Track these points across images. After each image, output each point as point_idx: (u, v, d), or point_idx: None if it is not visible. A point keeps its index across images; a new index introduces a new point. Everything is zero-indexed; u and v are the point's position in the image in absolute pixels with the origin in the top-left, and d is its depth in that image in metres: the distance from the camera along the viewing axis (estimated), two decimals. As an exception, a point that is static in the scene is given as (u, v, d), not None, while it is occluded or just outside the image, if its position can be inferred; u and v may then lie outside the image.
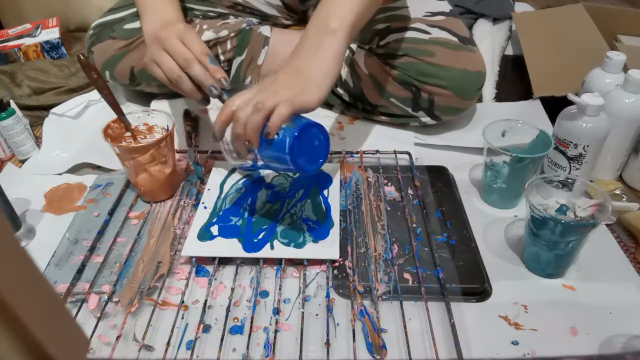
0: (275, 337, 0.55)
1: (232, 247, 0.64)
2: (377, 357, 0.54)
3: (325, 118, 0.94)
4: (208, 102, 0.67)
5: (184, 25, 0.67)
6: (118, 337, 0.55)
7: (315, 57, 0.59)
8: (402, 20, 0.84)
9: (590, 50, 0.96)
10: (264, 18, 0.98)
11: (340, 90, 0.91)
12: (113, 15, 0.89)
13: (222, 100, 0.64)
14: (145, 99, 0.97)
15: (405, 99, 0.85)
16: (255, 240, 0.65)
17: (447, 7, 0.87)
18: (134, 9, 0.88)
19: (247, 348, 0.54)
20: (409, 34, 0.83)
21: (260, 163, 0.59)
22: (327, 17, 0.60)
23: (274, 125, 0.54)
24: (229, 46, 0.90)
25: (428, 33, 0.83)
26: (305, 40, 0.61)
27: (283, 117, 0.54)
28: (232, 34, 0.90)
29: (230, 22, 0.91)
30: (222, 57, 0.90)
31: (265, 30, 0.94)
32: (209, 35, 0.88)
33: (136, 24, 0.87)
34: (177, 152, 0.80)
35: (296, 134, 0.54)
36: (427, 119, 0.86)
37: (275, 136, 0.55)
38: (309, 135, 0.56)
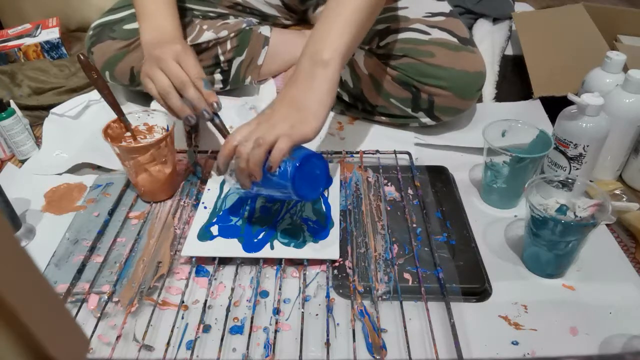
0: (275, 337, 0.55)
1: (232, 247, 0.64)
2: (377, 357, 0.54)
3: (325, 118, 0.94)
4: (192, 121, 0.67)
5: (182, 45, 0.68)
6: (118, 337, 0.55)
7: (310, 88, 0.60)
8: (402, 20, 0.84)
9: (590, 50, 0.96)
10: (264, 18, 0.98)
11: (340, 91, 0.91)
12: (113, 15, 0.89)
13: (214, 124, 0.66)
14: (145, 99, 0.97)
15: (405, 99, 0.85)
16: (255, 240, 0.65)
17: (447, 8, 0.87)
18: (133, 9, 0.88)
19: (247, 348, 0.54)
20: (409, 35, 0.83)
21: (263, 192, 0.61)
22: (320, 48, 0.61)
23: (275, 160, 0.55)
24: (228, 46, 0.90)
25: (428, 34, 0.82)
26: (299, 71, 0.61)
27: (283, 151, 0.55)
28: (232, 34, 0.90)
29: (230, 22, 0.91)
30: (222, 57, 0.90)
31: (265, 30, 0.94)
32: (208, 35, 0.88)
33: (136, 25, 0.87)
34: (177, 152, 0.80)
35: (297, 164, 0.56)
36: (426, 120, 0.86)
37: (277, 168, 0.57)
38: (309, 165, 0.57)
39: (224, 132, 0.67)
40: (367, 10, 0.63)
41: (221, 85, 0.94)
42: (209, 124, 0.68)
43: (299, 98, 0.60)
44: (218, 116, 0.66)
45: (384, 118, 0.90)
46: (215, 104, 0.65)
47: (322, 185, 0.61)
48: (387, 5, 0.85)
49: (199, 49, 0.88)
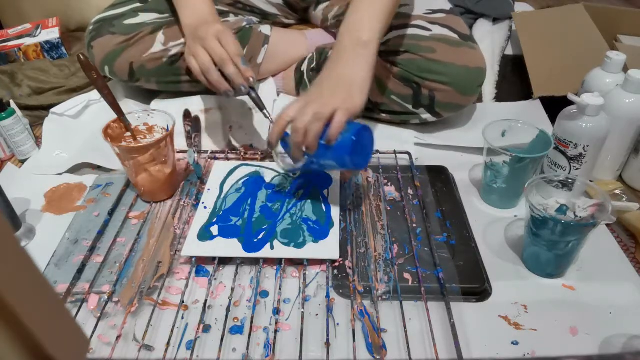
0: (275, 337, 0.55)
1: (232, 247, 0.64)
2: (377, 357, 0.54)
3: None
4: (229, 95, 0.73)
5: (222, 25, 0.73)
6: (118, 337, 0.55)
7: (353, 66, 0.65)
8: (403, 17, 0.84)
9: (590, 50, 0.96)
10: (264, 17, 0.98)
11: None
12: (113, 11, 0.89)
13: (251, 97, 0.72)
14: (145, 95, 0.97)
15: (406, 95, 0.85)
16: (255, 240, 0.65)
17: (447, 5, 0.87)
18: (134, 5, 0.89)
19: (247, 348, 0.54)
20: (410, 31, 0.83)
21: (313, 165, 0.64)
22: (359, 29, 0.67)
23: (335, 132, 0.60)
24: (229, 45, 0.90)
25: (429, 30, 0.83)
26: (341, 51, 0.67)
27: (342, 124, 0.60)
28: (232, 32, 0.90)
29: (230, 20, 0.91)
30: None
31: (265, 29, 0.94)
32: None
33: (136, 20, 0.87)
34: (177, 152, 0.80)
35: (354, 138, 0.59)
36: (427, 116, 0.86)
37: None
38: (361, 137, 0.61)
39: (259, 104, 0.71)
40: None
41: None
42: (246, 98, 0.74)
43: (344, 76, 0.65)
44: (254, 90, 0.72)
45: (384, 115, 0.90)
46: (251, 79, 0.70)
47: (370, 154, 0.65)
48: None
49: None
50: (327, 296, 0.60)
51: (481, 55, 0.84)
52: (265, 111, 0.71)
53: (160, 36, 0.87)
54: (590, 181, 0.68)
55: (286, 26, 1.02)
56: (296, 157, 0.63)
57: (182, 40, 0.87)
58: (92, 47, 0.89)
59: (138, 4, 0.89)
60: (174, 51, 0.87)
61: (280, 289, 0.61)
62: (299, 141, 0.61)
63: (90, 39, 0.89)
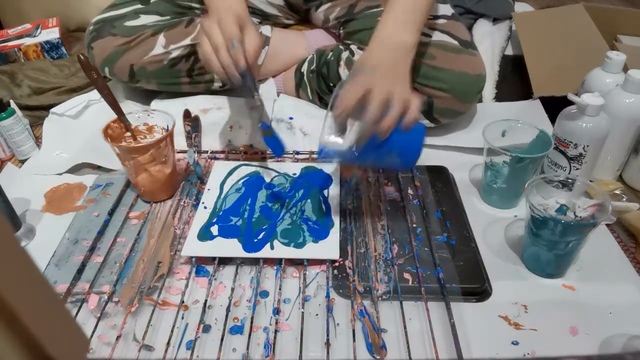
0: (275, 337, 0.55)
1: (232, 247, 0.64)
2: (377, 357, 0.54)
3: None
4: (234, 84, 0.68)
5: (225, 9, 0.67)
6: (118, 337, 0.55)
7: (395, 67, 0.63)
8: None
9: (590, 50, 0.96)
10: (265, 17, 0.98)
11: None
12: (114, 11, 0.89)
13: (244, 83, 0.66)
14: (145, 97, 0.97)
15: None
16: (255, 240, 0.65)
17: (449, 11, 0.87)
18: (135, 7, 0.89)
19: (247, 348, 0.54)
20: None
21: (369, 157, 0.60)
22: (400, 30, 0.65)
23: (411, 121, 0.57)
24: (229, 46, 0.90)
25: (429, 36, 0.82)
26: (382, 50, 0.64)
27: (418, 112, 0.58)
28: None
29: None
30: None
31: (265, 30, 0.94)
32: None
33: (137, 22, 0.87)
34: (177, 152, 0.80)
35: (424, 128, 0.58)
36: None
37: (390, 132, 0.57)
38: (422, 135, 0.60)
39: (252, 89, 0.66)
40: None
41: (220, 84, 0.94)
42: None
43: (391, 72, 0.62)
44: (250, 74, 0.66)
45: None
46: (241, 66, 0.64)
47: (419, 153, 0.61)
48: None
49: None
50: (327, 296, 0.60)
51: (481, 61, 0.84)
52: (256, 94, 0.66)
53: (161, 39, 0.87)
54: (590, 181, 0.68)
55: (286, 26, 1.02)
56: (361, 142, 0.57)
57: (183, 42, 0.87)
58: (92, 48, 0.89)
59: (139, 5, 0.89)
60: (174, 54, 0.87)
61: (280, 289, 0.61)
62: (373, 123, 0.56)
63: (91, 39, 0.89)
